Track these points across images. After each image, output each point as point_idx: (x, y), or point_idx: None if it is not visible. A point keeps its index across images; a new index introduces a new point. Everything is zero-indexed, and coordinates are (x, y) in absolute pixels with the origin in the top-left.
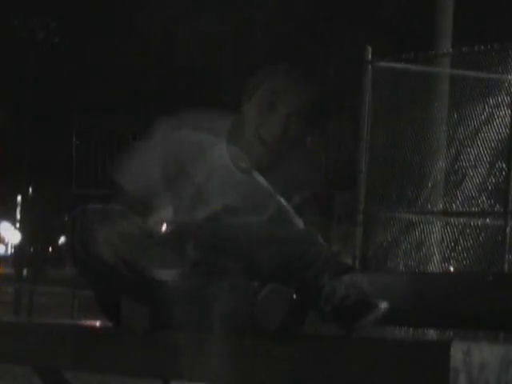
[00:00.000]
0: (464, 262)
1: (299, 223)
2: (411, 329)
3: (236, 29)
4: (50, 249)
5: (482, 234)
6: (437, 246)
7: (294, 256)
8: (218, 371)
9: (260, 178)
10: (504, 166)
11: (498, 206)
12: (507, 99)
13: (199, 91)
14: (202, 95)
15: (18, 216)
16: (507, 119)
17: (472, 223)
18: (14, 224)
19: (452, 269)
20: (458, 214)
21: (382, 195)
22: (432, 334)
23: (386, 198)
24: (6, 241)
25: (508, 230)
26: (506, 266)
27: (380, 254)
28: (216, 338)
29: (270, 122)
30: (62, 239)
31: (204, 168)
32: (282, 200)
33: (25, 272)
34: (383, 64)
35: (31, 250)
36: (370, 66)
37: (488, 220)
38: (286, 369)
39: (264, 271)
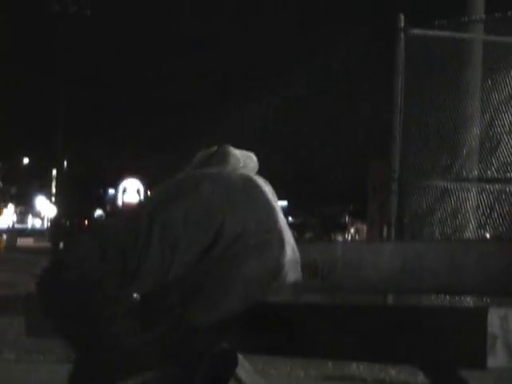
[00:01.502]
0: (500, 228)
1: None
2: (448, 296)
3: None
4: (86, 222)
5: None
6: (472, 212)
7: None
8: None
9: None
10: None
11: None
12: None
13: None
14: None
15: (54, 190)
16: None
17: (507, 189)
18: (49, 198)
19: (488, 235)
20: (494, 181)
21: (416, 163)
22: (469, 300)
23: (420, 166)
24: (42, 215)
25: None
26: None
27: (415, 222)
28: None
29: None
30: (98, 212)
31: None
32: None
33: (61, 245)
34: (416, 31)
35: (67, 223)
36: (402, 34)
37: None
38: (324, 337)
39: None
